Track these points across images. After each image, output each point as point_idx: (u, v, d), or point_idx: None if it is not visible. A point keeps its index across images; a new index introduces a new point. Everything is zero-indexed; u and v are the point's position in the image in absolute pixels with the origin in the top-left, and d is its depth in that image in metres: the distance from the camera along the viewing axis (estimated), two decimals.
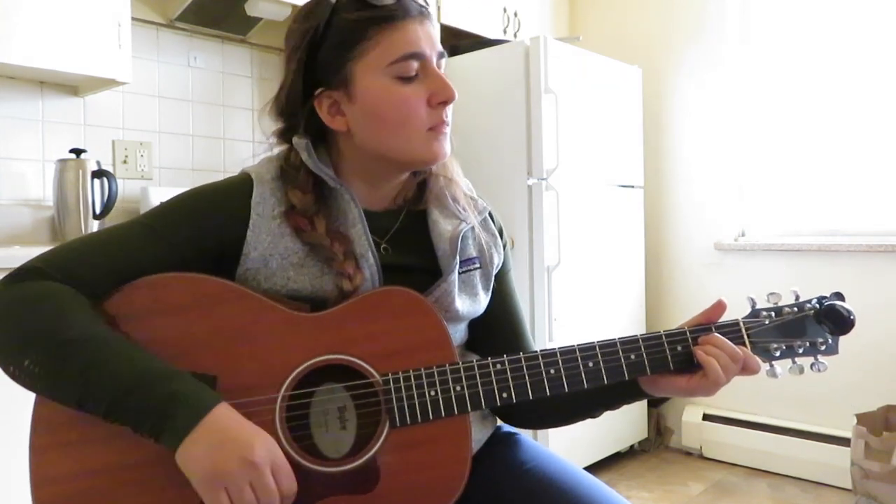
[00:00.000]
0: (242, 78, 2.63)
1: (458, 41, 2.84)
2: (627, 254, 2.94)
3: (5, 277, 0.79)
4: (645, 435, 3.04)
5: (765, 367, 0.86)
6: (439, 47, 0.88)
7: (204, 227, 0.84)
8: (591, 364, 0.83)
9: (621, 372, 0.84)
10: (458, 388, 0.81)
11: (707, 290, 3.01)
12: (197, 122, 2.50)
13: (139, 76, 2.28)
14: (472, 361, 0.83)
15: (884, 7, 2.66)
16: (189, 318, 0.80)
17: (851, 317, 0.85)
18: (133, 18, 2.12)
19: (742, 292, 0.92)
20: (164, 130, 2.42)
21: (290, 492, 0.73)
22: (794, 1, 2.86)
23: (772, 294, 0.89)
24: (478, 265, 0.95)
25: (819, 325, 0.87)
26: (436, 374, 0.81)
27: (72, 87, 2.19)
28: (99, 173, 2.09)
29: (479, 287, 0.95)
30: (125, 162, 2.32)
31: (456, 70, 2.67)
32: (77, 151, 2.08)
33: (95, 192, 2.09)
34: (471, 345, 0.99)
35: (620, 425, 2.87)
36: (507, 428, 1.04)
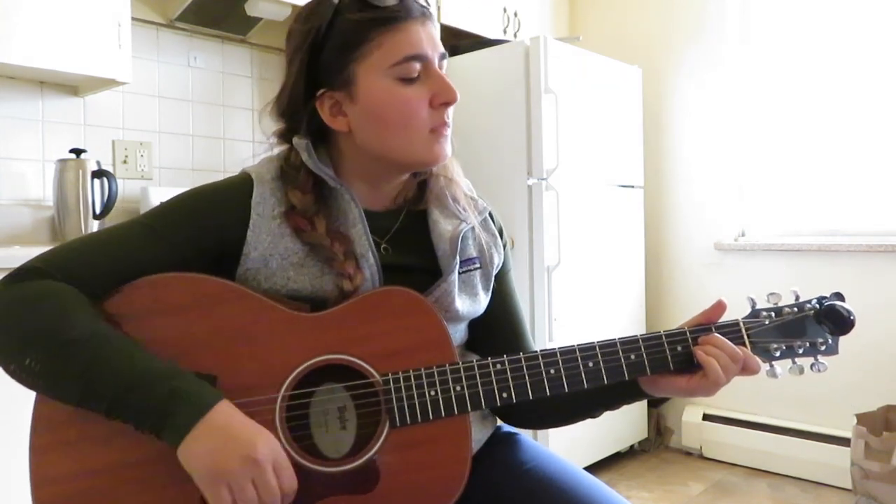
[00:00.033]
0: (242, 78, 2.63)
1: (458, 41, 2.84)
2: (627, 254, 2.94)
3: (5, 277, 0.79)
4: (645, 435, 3.04)
5: (765, 367, 0.86)
6: (441, 48, 0.88)
7: (204, 227, 0.84)
8: (591, 364, 0.84)
9: (621, 372, 0.84)
10: (458, 388, 0.81)
11: (707, 291, 3.01)
12: (197, 122, 2.50)
13: (139, 76, 2.28)
14: (472, 361, 0.83)
15: (884, 7, 2.66)
16: (189, 318, 0.80)
17: (851, 317, 0.85)
18: (133, 18, 2.12)
19: (742, 292, 0.92)
20: (164, 130, 2.42)
21: (292, 489, 0.74)
22: (794, 1, 2.86)
23: (772, 294, 0.89)
24: (478, 265, 0.95)
25: (819, 325, 0.87)
26: (436, 374, 0.81)
27: (72, 87, 2.19)
28: (99, 173, 2.09)
29: (480, 287, 0.95)
30: (125, 162, 2.32)
31: (456, 70, 2.67)
32: (77, 151, 2.08)
33: (95, 192, 2.09)
34: (471, 345, 0.99)
35: (620, 425, 2.87)
36: (507, 428, 1.04)
